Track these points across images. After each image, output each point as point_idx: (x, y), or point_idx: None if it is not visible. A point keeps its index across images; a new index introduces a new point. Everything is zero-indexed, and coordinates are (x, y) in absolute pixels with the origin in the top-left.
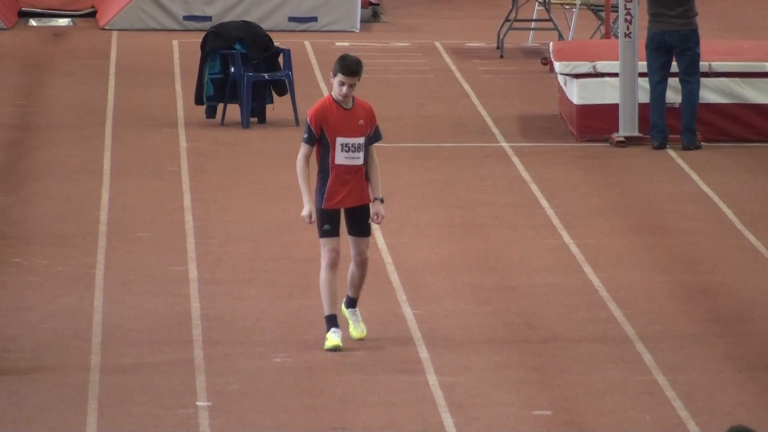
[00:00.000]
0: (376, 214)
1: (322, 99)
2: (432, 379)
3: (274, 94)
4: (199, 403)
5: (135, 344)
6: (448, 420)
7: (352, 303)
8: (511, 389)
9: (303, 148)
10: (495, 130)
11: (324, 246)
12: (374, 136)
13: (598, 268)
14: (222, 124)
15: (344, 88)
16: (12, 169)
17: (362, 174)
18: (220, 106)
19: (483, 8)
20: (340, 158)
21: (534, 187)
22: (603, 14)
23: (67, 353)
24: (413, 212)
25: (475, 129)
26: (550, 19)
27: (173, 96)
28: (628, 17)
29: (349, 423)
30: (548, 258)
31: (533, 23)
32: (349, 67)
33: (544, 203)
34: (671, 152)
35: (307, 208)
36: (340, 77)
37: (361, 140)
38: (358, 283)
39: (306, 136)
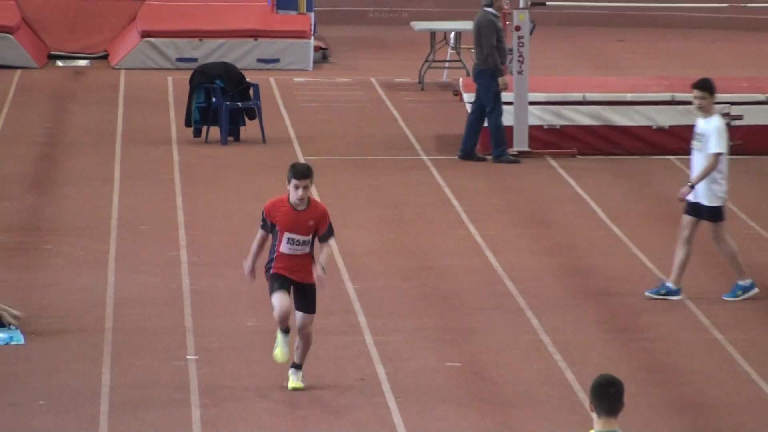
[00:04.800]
0: (317, 275)
1: (280, 196)
2: (368, 339)
3: (246, 118)
4: (189, 357)
5: (139, 312)
6: (380, 370)
7: (297, 367)
8: (429, 346)
9: (258, 232)
10: (417, 146)
11: (274, 301)
12: (327, 234)
13: (497, 254)
14: (206, 141)
15: (300, 191)
16: (42, 176)
17: (308, 259)
18: (204, 128)
19: (408, 51)
20: (285, 248)
21: (447, 191)
22: None
23: (87, 319)
24: (354, 210)
25: (402, 145)
26: (460, 60)
27: (168, 120)
28: (521, 58)
29: (305, 373)
30: (458, 245)
31: (447, 63)
32: (300, 171)
33: (455, 203)
34: (552, 162)
35: (247, 265)
36: (294, 182)
37: (307, 238)
38: (302, 354)
39: (261, 223)
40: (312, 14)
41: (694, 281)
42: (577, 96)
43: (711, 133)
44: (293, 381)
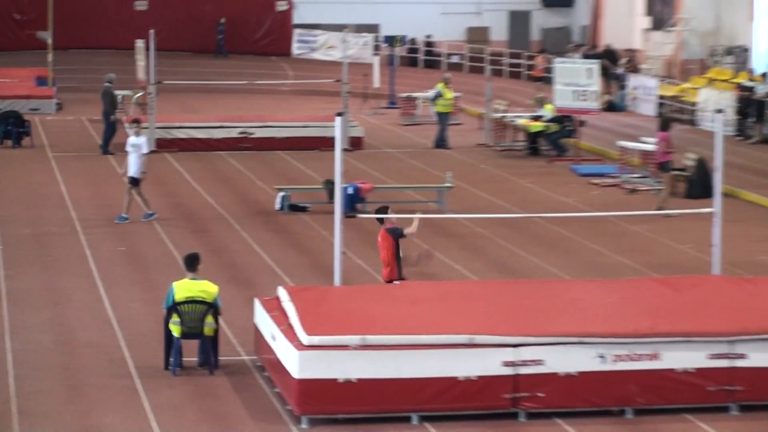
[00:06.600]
0: None
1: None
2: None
3: (25, 136)
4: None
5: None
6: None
7: None
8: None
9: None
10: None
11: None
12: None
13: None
14: (5, 146)
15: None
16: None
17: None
18: (4, 141)
19: (99, 103)
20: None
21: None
22: None
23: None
24: (77, 176)
25: (94, 147)
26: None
27: None
28: (152, 107)
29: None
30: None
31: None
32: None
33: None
34: (169, 156)
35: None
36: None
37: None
38: None
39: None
40: (55, 87)
41: (232, 209)
42: (179, 124)
43: (142, 144)
44: None
